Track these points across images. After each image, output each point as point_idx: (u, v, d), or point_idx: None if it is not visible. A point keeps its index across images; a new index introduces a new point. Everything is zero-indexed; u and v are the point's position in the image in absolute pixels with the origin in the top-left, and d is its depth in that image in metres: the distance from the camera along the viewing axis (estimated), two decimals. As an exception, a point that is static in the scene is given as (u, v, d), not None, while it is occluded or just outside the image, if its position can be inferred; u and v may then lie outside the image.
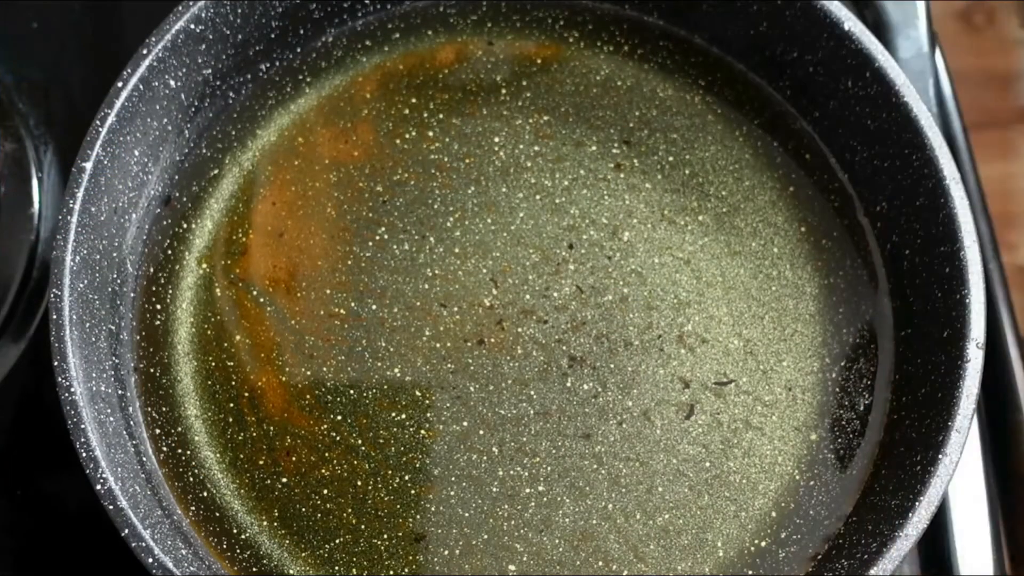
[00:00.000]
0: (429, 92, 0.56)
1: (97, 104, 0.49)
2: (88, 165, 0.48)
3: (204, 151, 0.55)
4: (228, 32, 0.53)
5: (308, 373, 0.51)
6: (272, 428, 0.50)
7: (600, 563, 0.48)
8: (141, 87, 0.50)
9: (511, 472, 0.49)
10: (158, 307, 0.52)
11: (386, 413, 0.50)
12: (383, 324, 0.51)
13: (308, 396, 0.51)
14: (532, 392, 0.50)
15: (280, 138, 0.56)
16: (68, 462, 0.44)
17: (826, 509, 0.49)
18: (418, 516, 0.48)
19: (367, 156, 0.55)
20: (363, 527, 0.48)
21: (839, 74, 0.53)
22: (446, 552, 0.48)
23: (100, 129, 0.48)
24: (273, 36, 0.56)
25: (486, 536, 0.48)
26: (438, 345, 0.51)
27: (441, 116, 0.56)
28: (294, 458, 0.49)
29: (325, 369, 0.51)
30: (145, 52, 0.50)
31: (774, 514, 0.49)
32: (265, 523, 0.48)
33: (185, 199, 0.54)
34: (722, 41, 0.57)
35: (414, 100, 0.56)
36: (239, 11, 0.53)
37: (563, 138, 0.55)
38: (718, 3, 0.55)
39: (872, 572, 0.43)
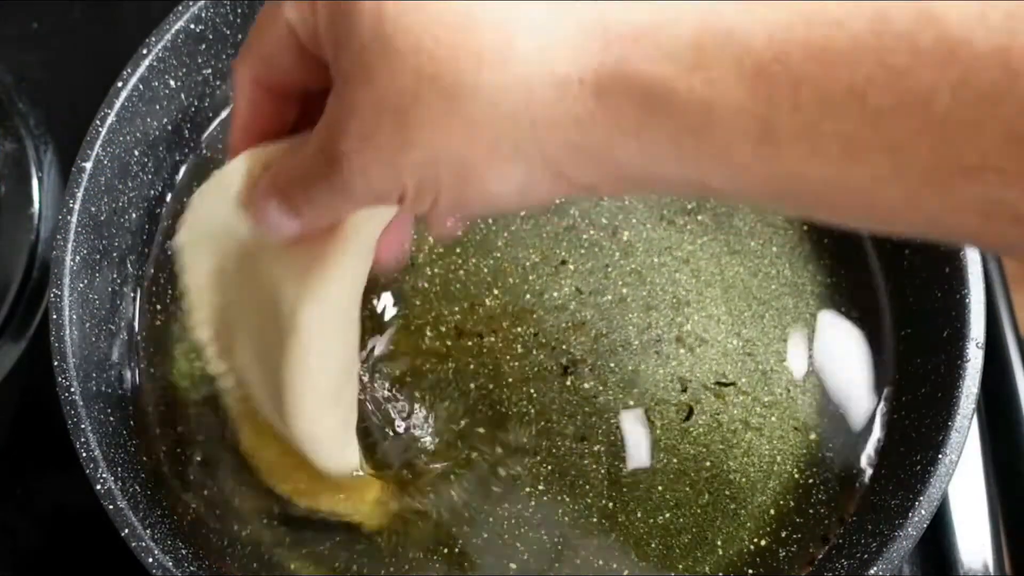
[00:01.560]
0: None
1: (97, 104, 0.49)
2: (88, 165, 0.48)
3: (204, 151, 0.55)
4: (228, 32, 0.53)
5: (308, 373, 0.51)
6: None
7: (600, 562, 0.48)
8: (141, 87, 0.50)
9: (511, 472, 0.49)
10: (158, 307, 0.52)
11: (386, 413, 0.50)
12: (380, 322, 0.51)
13: (308, 396, 0.51)
14: (532, 392, 0.50)
15: (280, 138, 0.56)
16: (68, 462, 0.44)
17: (826, 508, 0.49)
18: (417, 515, 0.48)
19: (367, 156, 0.55)
20: (363, 525, 0.48)
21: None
22: (445, 551, 0.48)
23: (100, 129, 0.48)
24: (273, 36, 0.56)
25: (486, 535, 0.48)
26: (438, 344, 0.51)
27: (441, 116, 0.56)
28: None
29: (325, 369, 0.51)
30: (145, 52, 0.50)
31: (773, 512, 0.49)
32: (265, 522, 0.48)
33: (185, 199, 0.54)
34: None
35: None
36: (239, 11, 0.53)
37: (563, 138, 0.55)
38: None
39: (872, 572, 0.43)
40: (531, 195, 0.30)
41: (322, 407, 0.42)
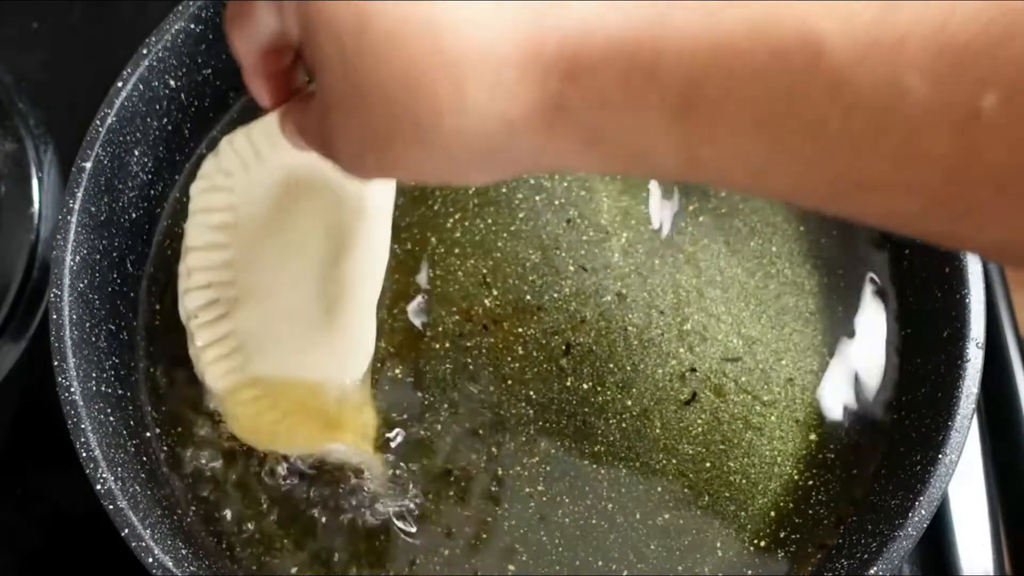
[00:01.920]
0: (429, 92, 0.56)
1: (97, 104, 0.49)
2: (88, 165, 0.48)
3: (204, 151, 0.55)
4: (228, 32, 0.53)
5: (308, 373, 0.51)
6: (272, 428, 0.50)
7: (600, 563, 0.48)
8: (141, 87, 0.50)
9: (511, 472, 0.49)
10: (158, 307, 0.52)
11: (386, 413, 0.50)
12: (382, 325, 0.51)
13: (308, 396, 0.51)
14: (532, 392, 0.50)
15: (280, 138, 0.56)
16: (68, 462, 0.44)
17: (826, 509, 0.49)
18: (417, 516, 0.48)
19: (367, 156, 0.55)
20: (363, 527, 0.48)
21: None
22: (446, 552, 0.48)
23: (100, 129, 0.48)
24: (273, 36, 0.56)
25: (486, 536, 0.48)
26: (437, 345, 0.51)
27: (441, 116, 0.56)
28: (293, 458, 0.49)
29: (325, 369, 0.51)
30: (145, 52, 0.50)
31: (773, 514, 0.49)
32: (265, 522, 0.48)
33: (185, 199, 0.54)
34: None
35: (414, 100, 0.56)
36: (239, 11, 0.53)
37: (563, 138, 0.55)
38: None
39: (872, 572, 0.43)
40: (507, 177, 0.35)
41: (372, 302, 0.50)
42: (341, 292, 0.49)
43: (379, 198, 0.51)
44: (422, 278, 0.52)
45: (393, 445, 0.49)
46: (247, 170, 0.50)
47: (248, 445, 0.49)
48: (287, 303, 0.49)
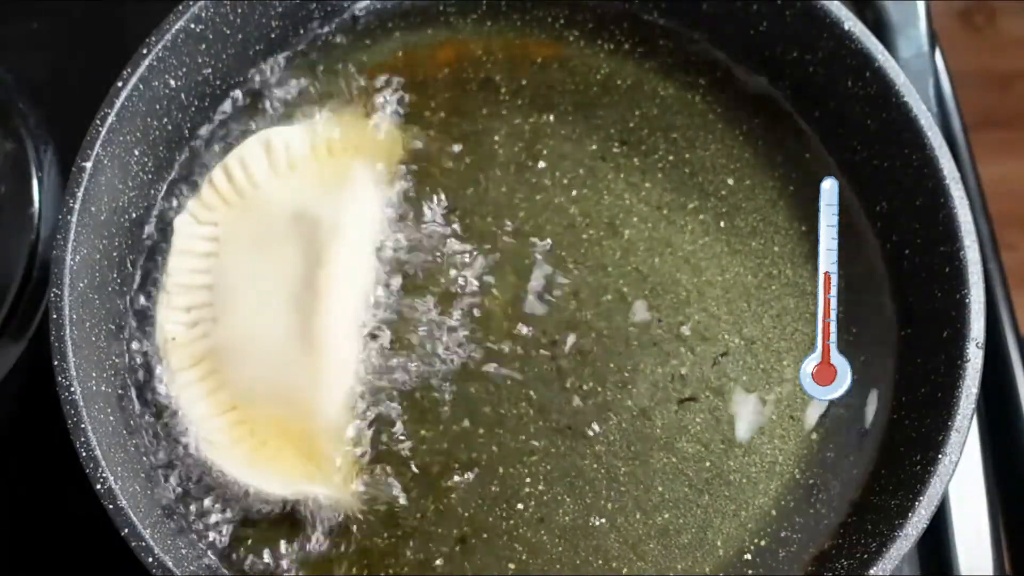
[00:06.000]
0: (429, 91, 0.56)
1: (97, 104, 0.49)
2: (88, 165, 0.48)
3: (204, 151, 0.55)
4: (228, 32, 0.53)
5: (308, 373, 0.51)
6: (272, 428, 0.50)
7: (600, 561, 0.48)
8: (141, 87, 0.50)
9: (511, 471, 0.49)
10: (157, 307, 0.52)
11: (381, 419, 0.50)
12: (382, 326, 0.51)
13: (308, 396, 0.51)
14: (532, 392, 0.50)
15: (280, 138, 0.56)
16: (68, 462, 0.44)
17: (826, 508, 0.49)
18: (418, 515, 0.48)
19: (367, 156, 0.55)
20: (363, 526, 0.48)
21: (839, 74, 0.53)
22: (446, 550, 0.48)
23: (100, 129, 0.48)
24: (273, 36, 0.56)
25: (486, 535, 0.48)
26: (437, 345, 0.51)
27: (441, 115, 0.56)
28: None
29: (325, 369, 0.51)
30: (145, 52, 0.50)
31: (774, 513, 0.49)
32: (266, 523, 0.48)
33: (186, 195, 0.54)
34: (722, 41, 0.57)
35: (414, 99, 0.56)
36: (239, 11, 0.53)
37: (563, 137, 0.55)
38: (718, 2, 0.55)
39: (872, 572, 0.44)
40: None
41: (350, 320, 0.50)
42: (316, 310, 0.50)
43: (356, 219, 0.52)
44: (422, 278, 0.52)
45: (392, 445, 0.49)
46: (228, 205, 0.53)
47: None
48: (263, 321, 0.50)
